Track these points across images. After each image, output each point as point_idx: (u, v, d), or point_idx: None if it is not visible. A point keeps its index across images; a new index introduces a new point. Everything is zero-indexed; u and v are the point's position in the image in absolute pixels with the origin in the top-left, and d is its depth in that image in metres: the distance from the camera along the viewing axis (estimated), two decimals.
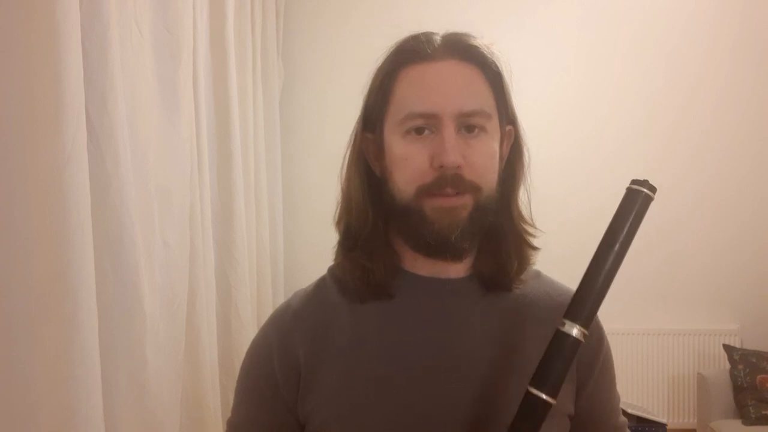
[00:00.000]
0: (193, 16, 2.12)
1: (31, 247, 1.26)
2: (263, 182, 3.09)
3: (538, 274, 0.84)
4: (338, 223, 0.80)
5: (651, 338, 3.43)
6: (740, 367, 3.06)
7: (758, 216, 3.46)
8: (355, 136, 0.79)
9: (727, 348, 3.17)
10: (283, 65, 3.49)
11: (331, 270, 0.83)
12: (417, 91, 0.72)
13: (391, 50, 0.76)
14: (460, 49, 0.73)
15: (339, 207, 0.80)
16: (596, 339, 0.80)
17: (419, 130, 0.71)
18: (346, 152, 0.79)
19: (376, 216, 0.76)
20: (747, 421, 2.94)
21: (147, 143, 1.75)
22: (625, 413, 0.86)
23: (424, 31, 0.76)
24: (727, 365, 3.14)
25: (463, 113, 0.71)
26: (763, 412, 2.92)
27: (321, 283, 0.83)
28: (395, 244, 0.78)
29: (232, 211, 2.53)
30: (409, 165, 0.71)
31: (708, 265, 3.47)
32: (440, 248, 0.73)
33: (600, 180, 3.28)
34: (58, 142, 1.27)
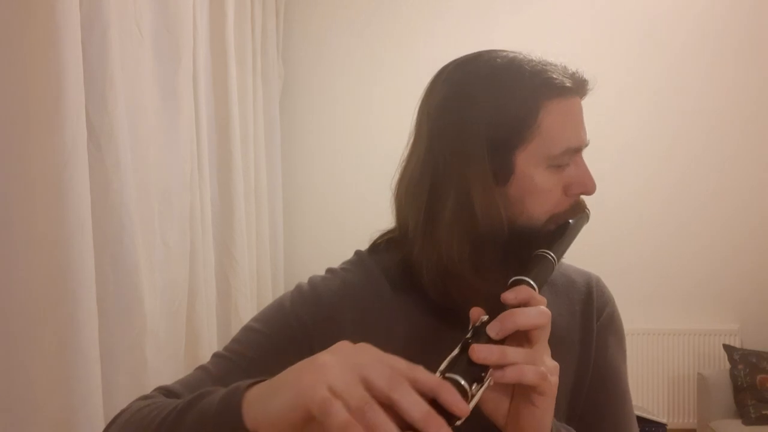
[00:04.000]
0: (193, 16, 2.12)
1: (31, 247, 1.26)
2: (263, 182, 3.09)
3: None
4: (421, 207, 0.75)
5: (651, 338, 3.43)
6: (740, 367, 3.06)
7: (758, 216, 3.46)
8: (478, 148, 0.72)
9: (727, 348, 3.17)
10: (283, 65, 3.49)
11: (374, 254, 0.83)
12: (571, 127, 0.74)
13: (525, 77, 0.73)
14: (582, 85, 0.77)
15: (428, 194, 0.74)
16: (603, 300, 0.83)
17: (563, 166, 0.74)
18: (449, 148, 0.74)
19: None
20: (747, 421, 2.94)
21: (147, 143, 1.76)
22: None
23: (550, 60, 0.76)
24: (727, 365, 3.13)
25: (587, 145, 0.77)
26: (763, 412, 2.92)
27: (358, 262, 0.83)
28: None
29: (232, 211, 2.53)
30: (550, 197, 0.74)
31: (708, 265, 3.47)
32: None
33: (607, 182, 3.26)
34: (58, 142, 1.27)
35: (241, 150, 2.63)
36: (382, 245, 0.83)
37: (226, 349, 0.77)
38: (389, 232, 0.82)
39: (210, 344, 2.19)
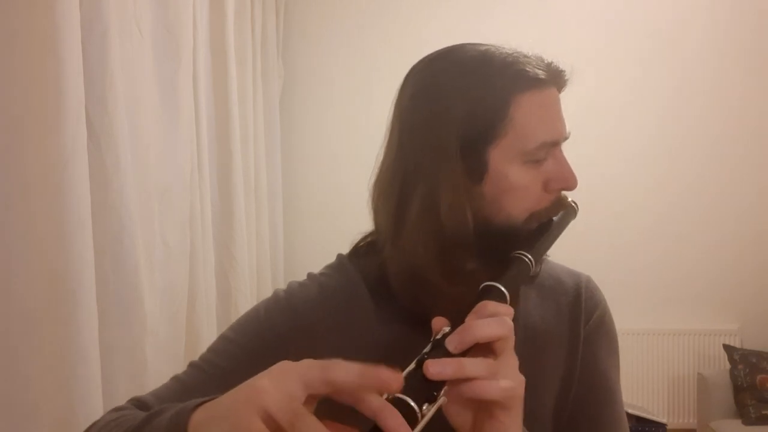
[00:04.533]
0: (193, 16, 2.12)
1: (31, 247, 1.26)
2: (263, 182, 3.10)
3: (545, 260, 0.84)
4: (390, 210, 0.73)
5: (651, 338, 3.43)
6: (740, 367, 3.06)
7: (759, 217, 3.46)
8: (448, 146, 0.70)
9: (727, 348, 3.17)
10: (283, 65, 3.49)
11: (354, 258, 0.80)
12: (547, 120, 0.71)
13: (496, 69, 0.70)
14: (557, 76, 0.73)
15: (396, 194, 0.72)
16: (593, 303, 0.79)
17: (540, 161, 0.71)
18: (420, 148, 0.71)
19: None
20: (747, 421, 2.94)
21: (147, 143, 1.76)
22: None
23: (523, 52, 0.72)
24: (727, 365, 3.14)
25: (566, 138, 0.73)
26: (763, 412, 2.92)
27: (339, 267, 0.80)
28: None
29: (232, 211, 2.54)
30: (528, 194, 0.71)
31: (708, 265, 3.47)
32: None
33: (609, 183, 3.28)
34: (58, 142, 1.27)
35: (241, 150, 2.63)
36: (363, 249, 0.80)
37: (201, 358, 0.76)
38: (370, 234, 0.79)
39: (210, 344, 2.19)
